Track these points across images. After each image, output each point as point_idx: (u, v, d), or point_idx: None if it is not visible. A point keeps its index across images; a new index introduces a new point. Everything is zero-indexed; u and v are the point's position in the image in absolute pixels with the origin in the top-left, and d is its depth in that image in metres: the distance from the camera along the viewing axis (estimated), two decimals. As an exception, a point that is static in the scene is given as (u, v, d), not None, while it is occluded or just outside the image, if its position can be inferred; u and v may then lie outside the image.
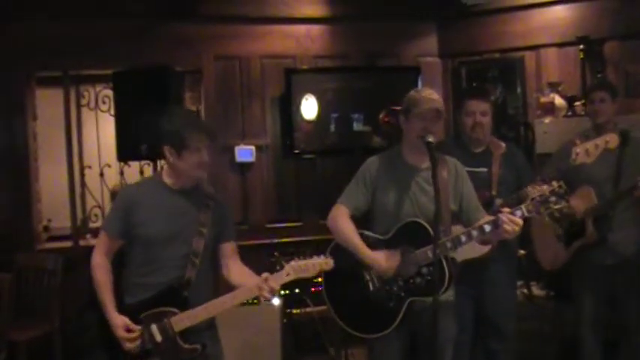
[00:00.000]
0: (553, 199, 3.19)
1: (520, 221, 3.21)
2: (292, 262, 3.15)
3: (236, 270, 3.35)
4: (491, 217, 3.36)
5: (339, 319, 3.57)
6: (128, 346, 3.15)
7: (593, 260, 4.22)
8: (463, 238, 3.34)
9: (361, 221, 3.59)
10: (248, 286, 3.15)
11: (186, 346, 3.17)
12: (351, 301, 3.52)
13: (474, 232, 3.34)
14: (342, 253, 3.48)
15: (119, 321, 3.16)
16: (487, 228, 3.30)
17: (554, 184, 3.21)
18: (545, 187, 3.22)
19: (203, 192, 3.34)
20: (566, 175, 3.87)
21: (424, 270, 3.35)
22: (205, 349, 3.24)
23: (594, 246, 4.17)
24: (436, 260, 3.20)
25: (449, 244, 3.33)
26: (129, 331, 3.15)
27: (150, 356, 3.17)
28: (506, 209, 3.27)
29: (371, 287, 3.47)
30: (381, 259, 3.39)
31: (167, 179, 3.30)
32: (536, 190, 3.24)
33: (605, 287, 4.28)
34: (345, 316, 3.56)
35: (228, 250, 3.39)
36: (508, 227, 3.20)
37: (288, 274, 3.14)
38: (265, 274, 3.13)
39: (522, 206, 3.25)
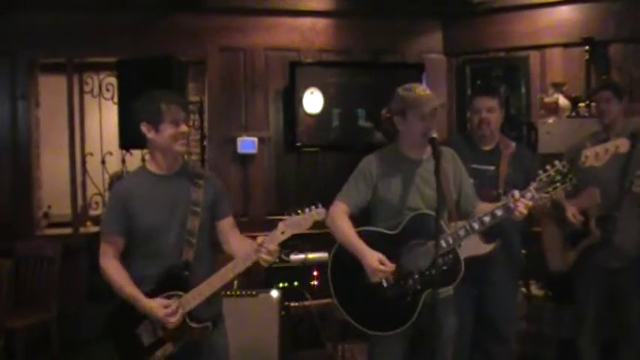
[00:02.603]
0: (559, 177, 3.24)
1: (530, 203, 3.27)
2: (284, 220, 3.14)
3: (236, 242, 3.34)
4: (492, 205, 3.42)
5: (351, 318, 3.48)
6: (172, 320, 3.11)
7: (597, 262, 4.21)
8: (476, 225, 3.35)
9: (360, 218, 3.57)
10: (246, 253, 3.14)
11: (197, 325, 3.18)
12: (364, 299, 3.44)
13: (487, 219, 3.36)
14: (349, 258, 3.47)
15: (155, 304, 3.13)
16: (499, 213, 3.33)
17: (557, 163, 3.25)
18: (548, 167, 3.26)
19: (191, 172, 3.34)
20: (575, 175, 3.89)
21: (439, 261, 3.27)
22: (213, 334, 3.25)
23: (599, 246, 4.16)
24: (437, 254, 3.20)
25: (462, 233, 3.34)
26: (166, 307, 3.13)
27: (163, 344, 3.17)
28: (516, 192, 3.29)
29: (384, 284, 3.41)
30: (374, 258, 3.32)
31: (151, 167, 3.29)
32: (542, 173, 3.28)
33: (607, 289, 4.28)
34: (358, 316, 3.47)
35: (227, 225, 3.38)
36: (522, 210, 3.26)
37: (282, 232, 3.13)
38: (260, 238, 3.12)
39: (531, 187, 3.29)
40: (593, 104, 5.72)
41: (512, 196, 3.29)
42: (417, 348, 3.58)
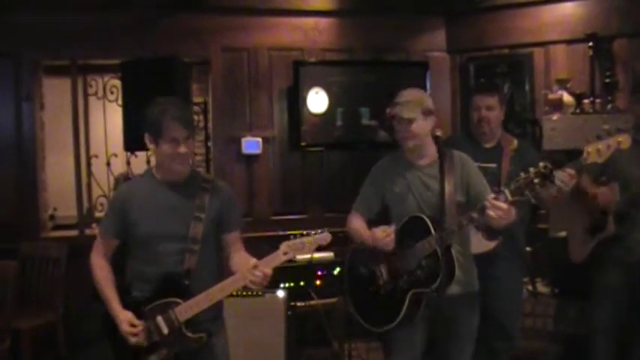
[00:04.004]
0: (537, 180, 3.13)
1: (504, 205, 3.17)
2: (287, 241, 3.09)
3: (235, 258, 3.29)
4: None
5: (359, 316, 3.68)
6: (132, 340, 3.14)
7: (614, 257, 4.13)
8: (454, 227, 3.35)
9: (379, 222, 3.65)
10: (241, 273, 3.10)
11: (192, 335, 3.15)
12: (367, 297, 3.62)
13: (464, 221, 3.36)
14: (360, 255, 3.68)
15: (123, 316, 3.16)
16: (475, 215, 3.32)
17: (540, 164, 3.15)
18: (531, 169, 3.17)
19: (199, 179, 3.29)
20: (605, 170, 3.87)
21: (423, 262, 3.40)
22: (211, 337, 3.22)
23: (614, 242, 4.09)
24: (441, 252, 3.30)
25: (443, 234, 3.34)
26: (133, 325, 3.14)
27: (158, 348, 3.16)
28: (491, 195, 3.26)
29: (380, 282, 3.55)
30: (376, 232, 3.47)
31: (157, 174, 3.26)
32: (522, 174, 3.20)
33: (624, 288, 4.17)
34: (364, 313, 3.67)
35: (231, 240, 3.33)
36: (491, 212, 3.19)
37: (285, 253, 3.08)
38: (253, 261, 3.07)
39: (505, 190, 3.22)
40: (598, 100, 5.72)
41: (486, 199, 3.24)
42: (434, 347, 3.63)
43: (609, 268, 4.20)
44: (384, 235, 3.42)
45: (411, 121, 3.50)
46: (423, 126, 3.52)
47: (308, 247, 3.10)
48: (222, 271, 3.32)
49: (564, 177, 3.57)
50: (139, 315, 3.18)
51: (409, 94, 3.58)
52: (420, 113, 3.51)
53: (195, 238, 3.18)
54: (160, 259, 3.18)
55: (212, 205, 3.24)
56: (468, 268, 3.58)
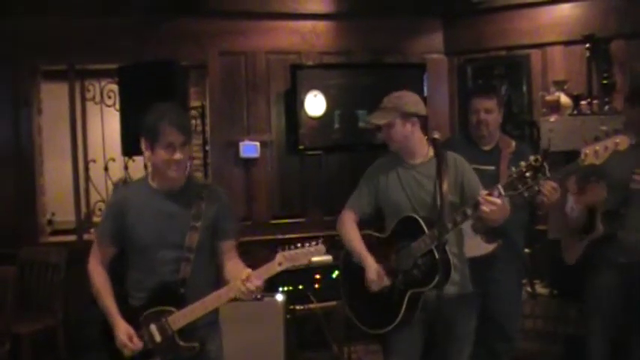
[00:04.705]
0: (529, 173, 3.15)
1: (497, 201, 3.21)
2: (284, 252, 3.08)
3: (228, 267, 3.26)
4: None
5: (356, 319, 3.69)
6: (126, 352, 3.13)
7: (606, 257, 4.14)
8: (449, 225, 3.36)
9: (375, 221, 3.70)
10: (233, 284, 3.08)
11: (185, 344, 3.13)
12: (364, 299, 3.60)
13: (458, 218, 3.37)
14: (354, 257, 3.66)
15: (123, 327, 3.14)
16: (469, 211, 3.34)
17: (531, 157, 3.18)
18: (522, 163, 3.19)
19: (195, 187, 3.27)
20: (592, 172, 3.88)
21: (420, 261, 3.41)
22: (205, 344, 3.21)
23: (604, 242, 4.10)
24: (439, 251, 3.29)
25: (437, 232, 3.34)
26: (130, 339, 3.13)
27: (151, 356, 3.15)
28: (484, 191, 3.28)
29: None
30: (373, 270, 3.48)
31: (152, 182, 3.23)
32: (514, 169, 3.22)
33: (618, 286, 4.16)
34: (360, 315, 3.68)
35: (225, 248, 3.30)
36: (485, 207, 3.21)
37: (280, 264, 3.06)
38: (247, 271, 3.04)
39: (499, 185, 3.26)
40: (595, 102, 5.73)
41: (479, 195, 3.27)
42: (432, 348, 3.63)
43: (603, 270, 4.21)
44: (379, 278, 3.46)
45: (387, 126, 3.57)
46: (401, 130, 3.55)
47: (303, 258, 3.08)
48: (219, 278, 3.30)
49: (547, 190, 3.59)
50: (135, 324, 3.16)
51: (388, 100, 3.64)
52: (397, 118, 3.54)
53: (191, 247, 3.16)
54: (157, 268, 3.16)
55: (208, 212, 3.21)
56: (464, 271, 3.59)
